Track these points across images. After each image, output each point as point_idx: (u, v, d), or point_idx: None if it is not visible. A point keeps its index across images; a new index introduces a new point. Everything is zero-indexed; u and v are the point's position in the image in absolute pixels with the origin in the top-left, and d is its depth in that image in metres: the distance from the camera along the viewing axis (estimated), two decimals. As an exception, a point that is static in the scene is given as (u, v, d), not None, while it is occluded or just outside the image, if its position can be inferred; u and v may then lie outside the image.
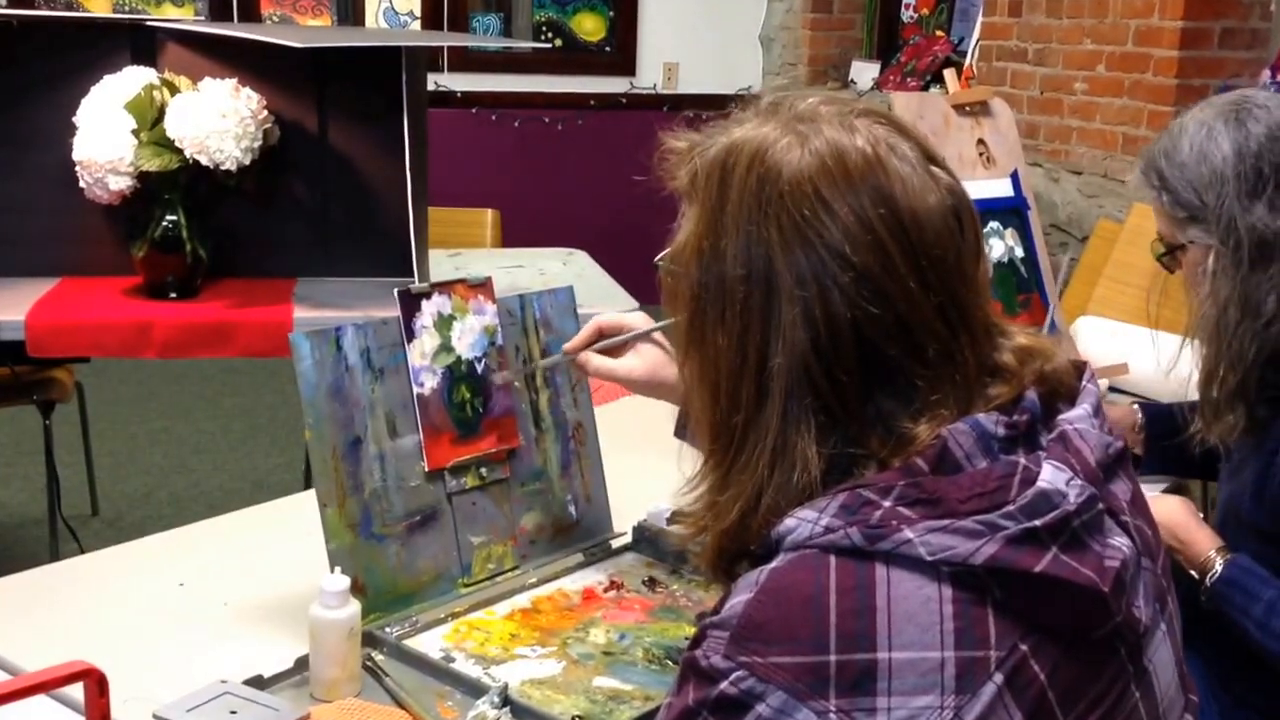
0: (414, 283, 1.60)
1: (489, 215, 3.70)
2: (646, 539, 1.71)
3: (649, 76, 6.27)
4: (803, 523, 0.91)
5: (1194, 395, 1.75)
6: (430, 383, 1.55)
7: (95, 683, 0.84)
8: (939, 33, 6.11)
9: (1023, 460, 0.91)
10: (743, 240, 0.96)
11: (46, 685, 0.80)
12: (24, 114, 2.90)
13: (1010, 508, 0.88)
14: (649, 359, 1.56)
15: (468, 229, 3.65)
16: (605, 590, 1.61)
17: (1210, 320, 1.66)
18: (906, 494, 0.89)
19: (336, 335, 1.48)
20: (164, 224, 2.78)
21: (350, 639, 1.33)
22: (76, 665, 0.82)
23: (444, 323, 1.57)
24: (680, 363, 1.05)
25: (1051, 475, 0.90)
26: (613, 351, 1.57)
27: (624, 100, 6.22)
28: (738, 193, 0.97)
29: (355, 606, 1.34)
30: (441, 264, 3.15)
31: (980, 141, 2.42)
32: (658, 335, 1.57)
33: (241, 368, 4.93)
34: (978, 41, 5.30)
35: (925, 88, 5.75)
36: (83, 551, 2.99)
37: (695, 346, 1.01)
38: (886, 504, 0.89)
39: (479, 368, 1.60)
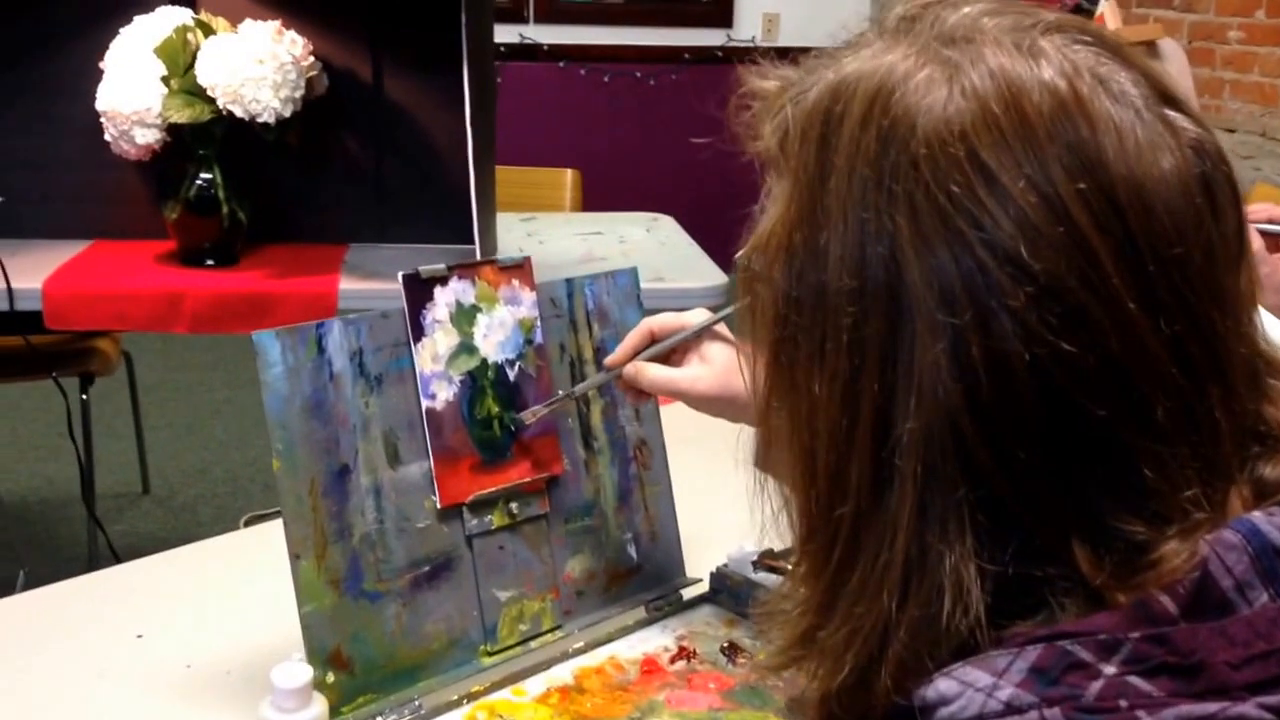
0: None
1: (568, 176, 3.34)
2: (728, 589, 1.35)
3: (747, 28, 5.80)
4: (968, 690, 0.56)
5: None
6: (444, 394, 1.20)
7: None
8: (1070, -22, 5.62)
9: None
10: (854, 233, 0.61)
11: None
12: (50, 60, 2.59)
13: None
14: (720, 365, 1.19)
15: (545, 190, 3.29)
16: (671, 660, 1.26)
17: None
18: (1145, 654, 0.55)
19: (318, 334, 1.13)
20: (198, 183, 2.46)
21: (311, 754, 0.99)
22: None
23: (464, 316, 1.22)
24: (761, 410, 0.69)
25: None
26: (672, 359, 1.20)
27: (720, 53, 5.77)
28: (847, 158, 0.61)
29: (319, 709, 1.00)
30: (513, 229, 2.80)
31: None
32: (732, 334, 1.21)
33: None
34: (1116, -14, 4.82)
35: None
36: (110, 545, 2.73)
37: (782, 392, 0.66)
38: (1110, 670, 0.55)
39: (511, 374, 1.24)
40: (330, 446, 1.13)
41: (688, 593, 1.36)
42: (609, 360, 1.22)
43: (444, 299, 1.20)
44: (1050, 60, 0.61)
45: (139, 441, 3.48)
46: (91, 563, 2.83)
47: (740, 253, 0.70)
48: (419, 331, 1.19)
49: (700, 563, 1.37)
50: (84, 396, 2.97)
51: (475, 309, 1.22)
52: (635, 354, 1.21)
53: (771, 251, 0.65)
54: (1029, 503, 0.59)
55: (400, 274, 1.19)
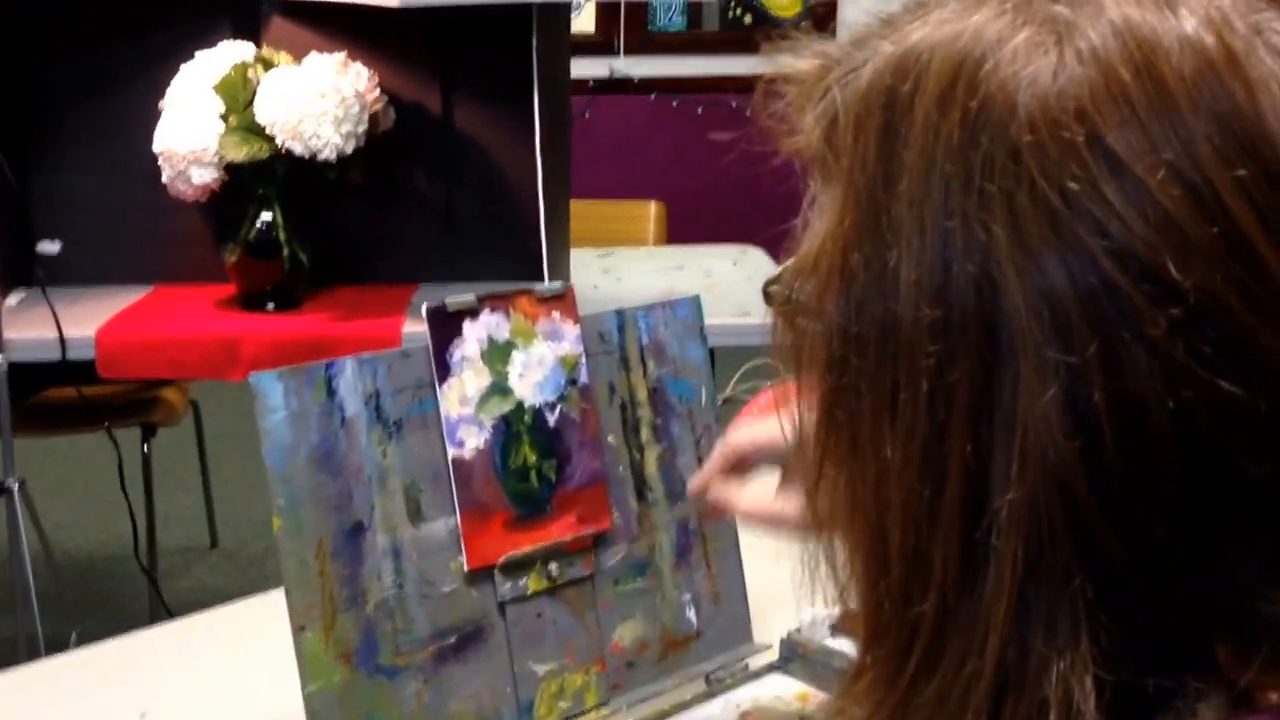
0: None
1: (651, 208, 3.21)
2: (800, 658, 1.20)
3: (850, 54, 5.69)
4: None
5: None
6: (474, 441, 1.06)
7: None
8: None
9: None
10: (933, 249, 0.47)
11: None
12: (110, 100, 2.53)
13: None
14: None
15: (627, 224, 3.16)
16: (734, 742, 1.11)
17: None
18: None
19: (327, 375, 1.01)
20: (258, 224, 2.37)
21: None
22: None
23: (497, 353, 1.08)
24: (811, 479, 0.55)
25: None
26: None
27: (820, 80, 5.65)
28: (921, 153, 0.48)
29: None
30: (589, 265, 2.68)
31: None
32: None
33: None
34: None
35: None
36: (164, 604, 2.64)
37: (839, 456, 0.52)
38: None
39: (551, 418, 1.11)
40: (341, 502, 1.00)
41: (754, 661, 1.21)
42: (692, 486, 1.08)
43: (474, 334, 1.07)
44: (1191, 9, 0.47)
45: (206, 493, 3.41)
46: (153, 621, 2.74)
47: (774, 278, 0.56)
48: (445, 371, 1.06)
49: (769, 626, 1.22)
50: (145, 448, 2.89)
51: (510, 345, 1.09)
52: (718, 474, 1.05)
53: (821, 276, 0.52)
54: (1163, 592, 0.45)
55: (424, 306, 1.06)
